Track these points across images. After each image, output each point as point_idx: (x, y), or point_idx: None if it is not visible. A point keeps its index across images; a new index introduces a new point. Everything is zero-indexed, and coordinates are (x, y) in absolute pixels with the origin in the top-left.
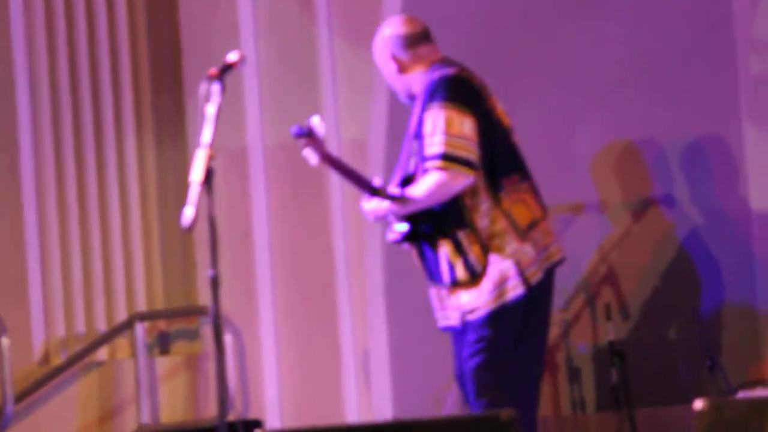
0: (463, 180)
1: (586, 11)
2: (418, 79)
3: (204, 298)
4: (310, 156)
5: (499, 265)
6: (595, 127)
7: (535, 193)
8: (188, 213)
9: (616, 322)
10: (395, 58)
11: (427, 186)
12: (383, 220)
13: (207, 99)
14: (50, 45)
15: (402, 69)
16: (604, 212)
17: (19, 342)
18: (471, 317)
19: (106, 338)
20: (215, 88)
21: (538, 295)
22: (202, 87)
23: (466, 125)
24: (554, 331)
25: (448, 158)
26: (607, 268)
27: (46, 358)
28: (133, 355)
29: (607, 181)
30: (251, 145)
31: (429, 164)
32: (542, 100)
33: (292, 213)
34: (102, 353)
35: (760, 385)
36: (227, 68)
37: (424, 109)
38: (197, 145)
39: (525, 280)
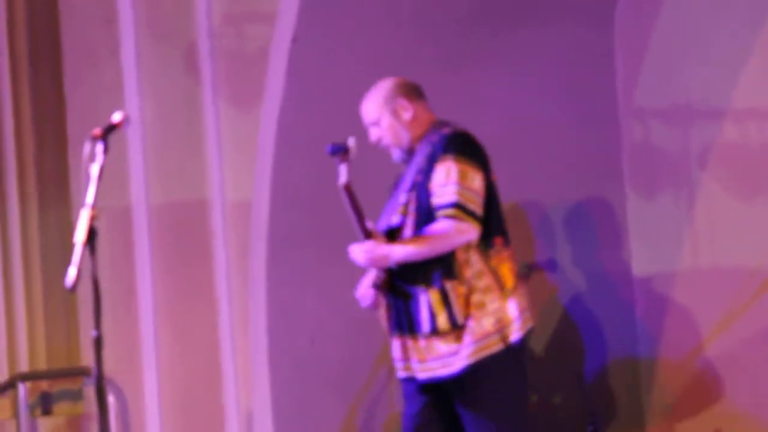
0: (470, 232)
1: (468, 74)
2: (420, 133)
3: (87, 358)
4: (342, 173)
5: (481, 321)
6: None
7: (513, 260)
8: (71, 273)
9: None
10: (404, 105)
11: (437, 233)
12: (376, 265)
13: (91, 159)
14: None
15: (413, 117)
16: None
17: None
18: (447, 371)
19: None
20: (99, 148)
21: (515, 355)
22: (86, 147)
23: (477, 180)
24: None
25: (461, 208)
26: None
27: None
28: (15, 415)
29: None
30: (135, 205)
31: (441, 212)
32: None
33: (176, 273)
34: None
35: None
36: (111, 128)
37: (434, 160)
38: (81, 205)
39: (504, 338)
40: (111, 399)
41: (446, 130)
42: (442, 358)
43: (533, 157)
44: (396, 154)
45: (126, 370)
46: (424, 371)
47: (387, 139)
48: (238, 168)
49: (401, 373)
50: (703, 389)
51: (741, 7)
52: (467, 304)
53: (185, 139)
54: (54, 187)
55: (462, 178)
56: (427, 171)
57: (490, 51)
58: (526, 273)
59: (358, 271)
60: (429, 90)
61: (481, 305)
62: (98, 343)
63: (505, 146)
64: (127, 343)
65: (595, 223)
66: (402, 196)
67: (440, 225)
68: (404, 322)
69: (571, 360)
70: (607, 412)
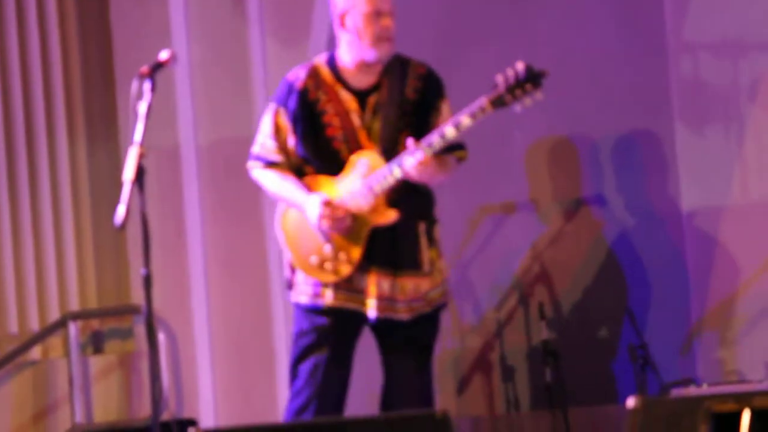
0: None
1: (519, 9)
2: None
3: (137, 296)
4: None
5: (444, 260)
6: (527, 125)
7: None
8: (120, 211)
9: (549, 321)
10: None
11: (452, 167)
12: (424, 179)
13: (138, 97)
14: None
15: None
16: (535, 211)
17: None
18: (429, 307)
19: (39, 337)
20: (146, 86)
21: None
22: (134, 85)
23: None
24: (488, 330)
25: None
26: (539, 268)
27: None
28: (67, 354)
29: (539, 179)
30: (183, 143)
31: (458, 152)
32: (473, 94)
33: (225, 211)
34: (35, 353)
35: (692, 384)
36: (158, 66)
37: (439, 96)
38: (130, 143)
39: None
40: (161, 337)
41: (428, 64)
42: (425, 297)
43: (582, 90)
44: (385, 55)
45: (176, 307)
46: (411, 311)
47: (395, 36)
48: None
49: (376, 313)
50: (752, 323)
51: None
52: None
53: (233, 76)
54: (102, 126)
55: None
56: (427, 105)
57: None
58: (572, 208)
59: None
60: (484, 22)
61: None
62: (148, 281)
63: (555, 79)
64: (176, 280)
65: (644, 158)
66: (393, 117)
67: (452, 162)
68: (394, 256)
69: (620, 295)
70: (656, 346)
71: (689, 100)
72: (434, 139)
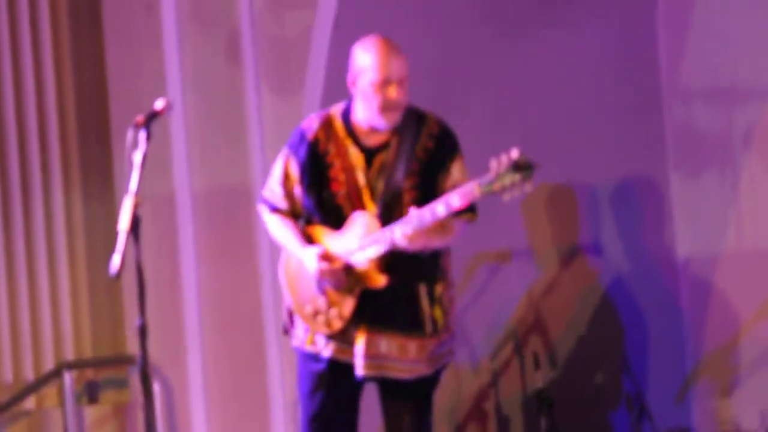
0: None
1: (515, 55)
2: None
3: (132, 346)
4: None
5: (453, 316)
6: None
7: None
8: (115, 261)
9: (544, 371)
10: None
11: (457, 231)
12: (414, 247)
13: (134, 147)
14: None
15: None
16: (532, 258)
17: None
18: (433, 368)
19: (33, 387)
20: (142, 135)
21: None
22: (129, 135)
23: None
24: (483, 379)
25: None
26: (535, 315)
27: None
28: (61, 404)
29: (535, 226)
30: (179, 192)
31: (467, 215)
32: (471, 144)
33: (220, 260)
34: (30, 402)
35: None
36: (154, 115)
37: (452, 155)
38: (125, 193)
39: None
40: (156, 387)
41: (444, 122)
42: (430, 357)
43: (578, 138)
44: (391, 123)
45: (171, 357)
46: (413, 372)
47: (404, 104)
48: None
49: (364, 372)
50: (747, 371)
51: None
52: (450, 301)
53: (227, 125)
54: (98, 176)
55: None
56: (437, 165)
57: (536, 31)
58: (568, 255)
59: None
60: (475, 70)
61: (453, 301)
62: (143, 330)
63: (551, 127)
64: (172, 330)
65: (639, 205)
66: (397, 178)
67: (459, 225)
68: (392, 316)
69: (615, 343)
70: (651, 394)
71: (684, 147)
72: (425, 215)
